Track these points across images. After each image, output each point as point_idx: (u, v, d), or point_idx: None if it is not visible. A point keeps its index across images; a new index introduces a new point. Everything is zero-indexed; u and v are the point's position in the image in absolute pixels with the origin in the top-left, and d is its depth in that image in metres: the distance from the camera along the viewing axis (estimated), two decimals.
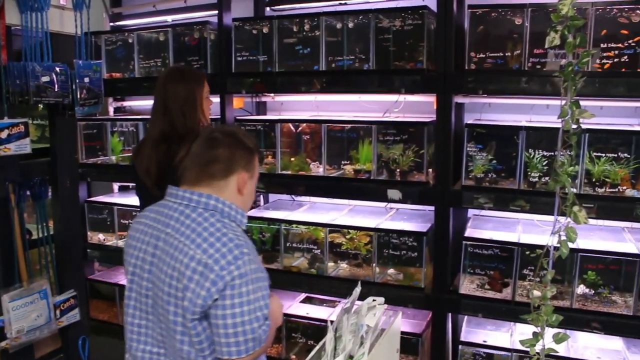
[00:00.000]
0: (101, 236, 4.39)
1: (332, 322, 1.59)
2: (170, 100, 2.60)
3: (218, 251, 1.59)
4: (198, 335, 1.60)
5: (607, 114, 3.12)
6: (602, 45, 2.83)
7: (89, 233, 4.41)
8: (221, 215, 1.70)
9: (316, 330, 3.58)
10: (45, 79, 2.35)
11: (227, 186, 1.74)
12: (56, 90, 2.41)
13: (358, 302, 1.72)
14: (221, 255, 1.58)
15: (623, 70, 2.80)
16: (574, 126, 1.56)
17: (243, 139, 1.80)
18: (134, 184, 2.81)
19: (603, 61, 2.83)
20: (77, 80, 2.49)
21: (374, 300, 1.72)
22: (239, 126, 3.69)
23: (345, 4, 3.72)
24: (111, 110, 4.78)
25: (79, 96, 2.49)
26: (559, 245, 1.63)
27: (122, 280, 4.39)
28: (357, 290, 1.74)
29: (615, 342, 3.19)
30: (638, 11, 2.77)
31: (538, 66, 2.95)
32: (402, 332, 3.29)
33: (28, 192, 2.71)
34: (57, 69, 2.43)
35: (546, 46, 1.48)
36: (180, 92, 2.61)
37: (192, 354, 1.62)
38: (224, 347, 1.59)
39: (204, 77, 2.74)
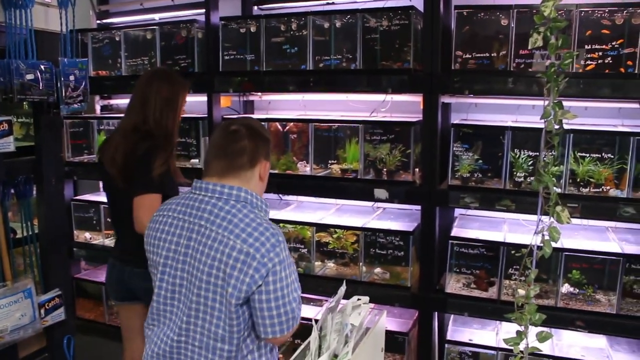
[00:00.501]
0: (87, 235, 4.37)
1: (316, 321, 1.59)
2: (151, 97, 2.64)
3: (257, 240, 1.69)
4: (237, 318, 1.72)
5: (591, 115, 3.15)
6: (586, 47, 2.85)
7: (75, 232, 4.39)
8: (251, 207, 1.80)
9: (303, 329, 3.57)
10: (29, 76, 2.33)
11: (252, 176, 1.86)
12: (41, 88, 2.39)
13: (343, 301, 1.73)
14: (261, 244, 1.69)
15: (607, 71, 2.82)
16: (557, 127, 1.57)
17: (260, 129, 1.93)
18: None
19: (587, 62, 2.86)
20: (62, 78, 2.47)
21: (358, 299, 1.73)
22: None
23: (333, 3, 3.72)
24: (98, 108, 4.76)
25: (64, 94, 2.47)
26: (542, 245, 1.65)
27: None
28: (342, 289, 1.75)
29: (599, 340, 3.23)
30: (621, 13, 2.80)
31: (524, 67, 2.97)
32: (389, 331, 3.32)
33: (12, 191, 2.69)
34: (42, 66, 2.41)
35: (529, 47, 1.49)
36: (163, 92, 2.66)
37: (225, 336, 1.73)
38: (269, 327, 1.72)
39: (188, 86, 2.81)
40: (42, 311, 2.61)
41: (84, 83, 2.57)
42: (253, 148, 1.85)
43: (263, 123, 3.52)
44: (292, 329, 1.78)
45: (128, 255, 2.74)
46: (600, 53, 2.84)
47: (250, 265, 1.67)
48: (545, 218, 1.68)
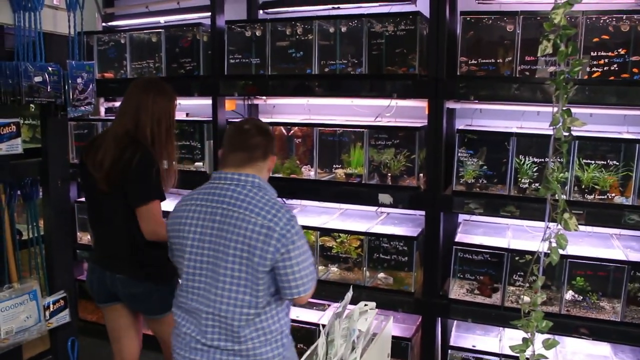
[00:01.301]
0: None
1: (323, 326, 1.59)
2: (148, 106, 2.67)
3: (275, 216, 1.97)
4: (262, 284, 1.98)
5: (596, 122, 3.15)
6: (592, 54, 2.86)
7: (78, 233, 4.39)
8: (264, 191, 2.08)
9: (306, 333, 3.59)
10: (37, 79, 2.33)
11: (264, 167, 2.16)
12: (48, 90, 2.39)
13: (350, 307, 1.73)
14: (278, 219, 1.97)
15: (612, 78, 2.83)
16: (566, 134, 1.57)
17: (268, 128, 2.23)
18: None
19: (593, 69, 2.86)
20: (70, 81, 2.47)
21: (365, 305, 1.73)
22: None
23: (339, 8, 3.72)
24: (102, 110, 4.76)
25: (71, 97, 2.48)
26: (549, 252, 1.64)
27: None
28: (349, 295, 1.75)
29: (603, 348, 3.22)
30: (627, 21, 2.80)
31: (529, 73, 2.97)
32: (392, 337, 3.31)
33: (19, 192, 2.69)
34: (50, 69, 2.41)
35: (539, 54, 1.49)
36: (160, 102, 2.70)
37: (252, 301, 1.98)
38: (294, 289, 1.99)
39: (174, 97, 2.83)
40: (47, 313, 2.61)
41: (91, 86, 2.58)
42: (265, 144, 2.15)
43: None
44: (313, 288, 2.07)
45: (107, 259, 2.74)
46: (606, 60, 2.84)
47: (272, 237, 1.94)
48: (552, 225, 1.68)
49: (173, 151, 2.81)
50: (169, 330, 2.78)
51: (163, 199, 2.66)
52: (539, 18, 2.94)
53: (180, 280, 2.15)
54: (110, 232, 2.72)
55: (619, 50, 2.83)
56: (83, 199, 4.45)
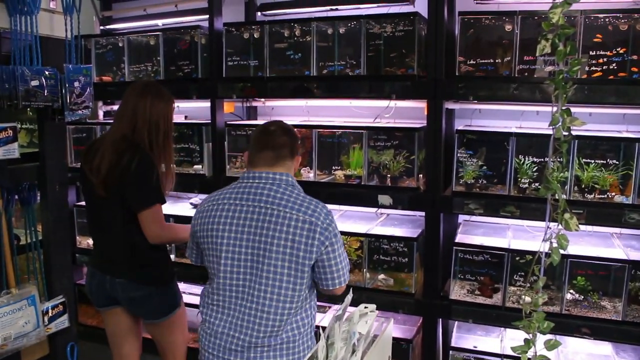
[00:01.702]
0: (90, 241, 4.35)
1: (323, 329, 1.58)
2: (145, 111, 2.67)
3: (315, 212, 2.06)
4: (303, 278, 2.05)
5: (596, 121, 3.15)
6: (591, 53, 2.85)
7: (77, 237, 4.38)
8: (298, 189, 2.16)
9: None
10: (34, 83, 2.32)
11: (292, 165, 2.23)
12: (45, 94, 2.38)
13: (350, 309, 1.72)
14: (318, 214, 2.06)
15: (611, 77, 2.82)
16: (565, 133, 1.56)
17: (292, 129, 2.30)
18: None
19: (592, 68, 2.86)
20: (67, 85, 2.46)
21: (365, 307, 1.72)
22: (229, 131, 3.69)
23: (337, 9, 3.72)
24: (101, 114, 4.75)
25: (68, 100, 2.47)
26: (550, 252, 1.64)
27: None
28: (349, 297, 1.74)
29: (605, 348, 3.21)
30: (626, 20, 2.80)
31: (528, 73, 2.97)
32: (393, 338, 3.29)
33: (16, 197, 2.68)
34: (47, 72, 2.39)
35: (537, 54, 1.49)
36: (158, 107, 2.70)
37: (295, 296, 2.06)
38: (336, 279, 2.11)
39: (172, 100, 2.85)
40: (46, 318, 2.59)
41: (88, 89, 2.56)
42: (291, 144, 2.21)
43: None
44: (348, 279, 2.18)
45: (107, 263, 2.75)
46: (605, 59, 2.84)
47: (315, 231, 2.03)
48: (552, 224, 1.67)
49: (171, 154, 2.82)
50: (168, 335, 2.80)
51: (164, 202, 2.67)
52: (536, 18, 2.93)
53: (213, 282, 2.18)
54: (109, 236, 2.75)
55: (618, 49, 2.82)
56: (82, 203, 4.45)
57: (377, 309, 1.78)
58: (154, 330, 2.85)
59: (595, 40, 2.85)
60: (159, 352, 2.94)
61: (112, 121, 4.46)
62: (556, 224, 1.64)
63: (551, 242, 1.60)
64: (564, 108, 1.54)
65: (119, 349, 2.92)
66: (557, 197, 1.61)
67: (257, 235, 2.06)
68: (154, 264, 2.72)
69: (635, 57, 2.79)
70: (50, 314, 2.63)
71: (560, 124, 1.55)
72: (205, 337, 2.17)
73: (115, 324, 2.87)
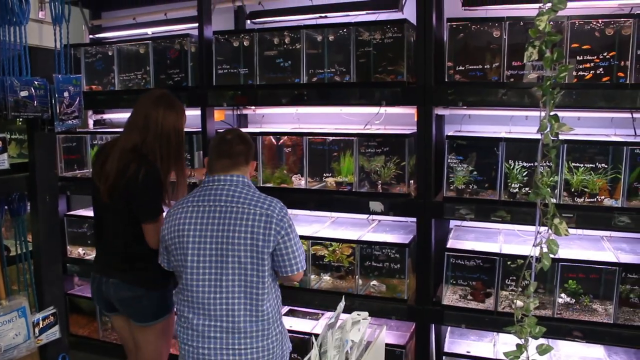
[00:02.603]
0: (81, 250, 4.33)
1: (316, 337, 1.58)
2: (158, 122, 2.68)
3: (270, 205, 2.28)
4: (265, 266, 2.24)
5: (584, 125, 3.17)
6: (578, 58, 2.88)
7: (68, 247, 4.35)
8: (254, 189, 2.38)
9: (299, 342, 3.56)
10: (24, 93, 2.31)
11: (247, 170, 2.42)
12: (35, 105, 2.37)
13: (343, 316, 1.72)
14: (273, 207, 2.28)
15: (600, 81, 2.85)
16: (553, 139, 1.58)
17: (247, 137, 2.47)
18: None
19: (579, 73, 2.88)
20: (57, 95, 2.45)
21: (358, 314, 1.72)
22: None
23: (326, 17, 3.74)
24: (91, 123, 4.74)
25: (58, 111, 2.46)
26: (540, 257, 1.64)
27: None
28: (341, 305, 1.74)
29: (597, 350, 3.23)
30: (612, 25, 2.83)
31: (516, 78, 2.99)
32: (386, 344, 3.30)
33: (6, 207, 2.66)
34: (36, 83, 2.39)
35: (524, 61, 1.50)
36: (171, 119, 2.72)
37: (259, 282, 2.24)
38: (294, 266, 2.31)
39: (184, 110, 2.88)
40: (37, 330, 2.58)
41: (78, 99, 2.56)
42: (246, 151, 2.41)
43: (257, 137, 3.54)
44: (305, 266, 2.38)
45: (104, 266, 2.79)
46: (592, 64, 2.86)
47: (271, 222, 2.23)
48: (543, 228, 1.68)
49: (183, 165, 2.86)
50: (153, 341, 2.83)
51: (163, 211, 2.73)
52: (522, 26, 2.95)
53: (182, 279, 2.32)
54: (108, 239, 2.79)
55: (605, 54, 2.85)
56: (73, 212, 4.43)
57: (369, 316, 1.78)
58: (140, 334, 2.84)
59: (583, 45, 2.87)
60: (140, 358, 2.92)
61: (104, 129, 4.52)
62: (546, 228, 1.65)
63: (541, 247, 1.61)
64: (552, 114, 1.56)
65: (129, 352, 2.98)
66: (547, 202, 1.63)
67: (220, 230, 2.24)
68: (147, 268, 2.73)
69: (621, 61, 2.82)
70: (41, 325, 2.61)
71: (548, 129, 1.56)
72: (183, 332, 2.32)
73: (120, 328, 2.93)
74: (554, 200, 1.63)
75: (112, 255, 2.77)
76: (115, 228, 2.74)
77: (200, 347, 2.26)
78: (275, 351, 2.32)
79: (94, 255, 2.97)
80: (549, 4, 1.54)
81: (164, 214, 2.57)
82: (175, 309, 2.38)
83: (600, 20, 2.85)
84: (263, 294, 2.26)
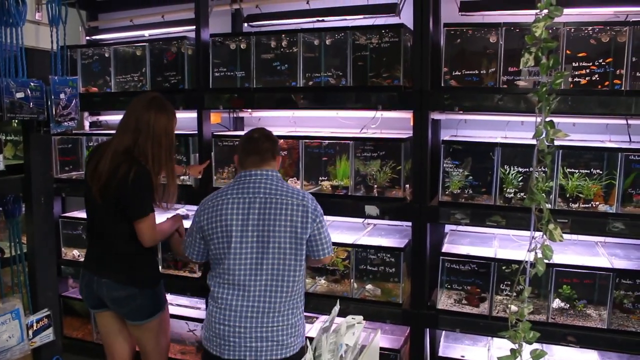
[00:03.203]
0: (76, 252, 4.32)
1: (310, 340, 1.58)
2: (149, 125, 2.75)
3: (304, 197, 2.52)
4: (302, 251, 2.49)
5: (579, 131, 3.19)
6: (574, 64, 2.89)
7: (63, 249, 4.34)
8: (284, 182, 2.59)
9: None
10: (19, 95, 2.31)
11: (275, 164, 2.63)
12: (31, 106, 2.37)
13: (338, 320, 1.72)
14: (307, 199, 2.52)
15: (595, 88, 2.87)
16: (549, 144, 1.58)
17: (272, 135, 2.69)
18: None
19: (575, 79, 2.90)
20: (53, 97, 2.45)
21: (352, 318, 1.72)
22: (216, 142, 3.69)
23: (323, 20, 3.74)
24: (87, 124, 4.73)
25: (54, 112, 2.45)
26: (535, 262, 1.65)
27: None
28: (336, 309, 1.74)
29: (591, 355, 3.23)
30: (607, 32, 2.84)
31: (512, 84, 3.00)
32: (381, 348, 3.29)
33: (0, 209, 2.65)
34: (32, 84, 2.39)
35: (520, 67, 1.51)
36: (161, 122, 2.79)
37: (297, 266, 2.48)
38: (326, 249, 2.57)
39: (174, 113, 2.94)
40: (30, 332, 2.57)
41: (74, 101, 2.56)
42: (272, 148, 2.62)
43: None
44: (332, 251, 2.65)
45: (95, 264, 2.86)
46: (588, 70, 2.88)
47: (307, 212, 2.48)
48: (537, 234, 1.69)
49: (173, 168, 2.92)
50: (150, 338, 2.91)
51: (154, 210, 2.81)
52: (517, 30, 2.97)
53: (221, 265, 2.49)
54: (100, 240, 2.86)
55: (600, 60, 2.87)
56: (68, 214, 4.42)
57: (364, 320, 1.78)
58: (137, 332, 2.92)
59: (578, 52, 2.89)
60: (141, 355, 3.01)
61: (100, 131, 4.51)
62: (541, 234, 1.66)
63: (536, 253, 1.62)
64: (547, 120, 1.56)
65: (110, 349, 3.03)
66: (541, 208, 1.63)
67: (262, 220, 2.46)
68: (138, 267, 2.82)
69: (617, 68, 2.83)
70: (34, 328, 2.60)
71: (543, 135, 1.57)
72: (219, 312, 2.48)
73: (105, 325, 2.97)
74: (549, 206, 1.64)
75: (104, 255, 2.83)
76: (107, 228, 2.80)
77: (237, 326, 2.44)
78: (300, 327, 2.57)
79: (85, 253, 3.01)
80: (546, 11, 1.54)
81: (198, 207, 2.65)
82: (211, 292, 2.53)
83: (596, 27, 2.87)
84: (298, 276, 2.50)
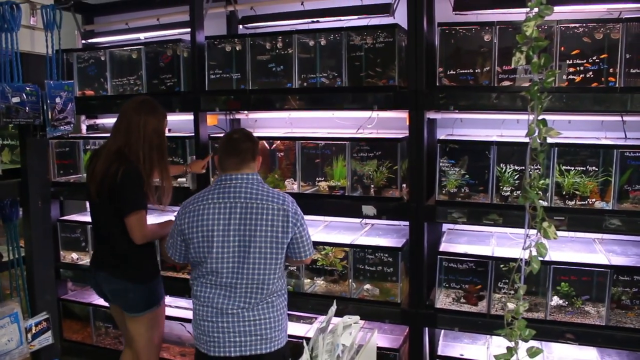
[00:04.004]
0: (74, 255, 4.33)
1: (307, 340, 1.59)
2: (139, 127, 2.89)
3: (284, 201, 2.53)
4: (282, 254, 2.52)
5: (575, 128, 3.20)
6: (568, 62, 2.90)
7: (61, 252, 4.34)
8: (265, 185, 2.60)
9: (293, 347, 3.56)
10: (15, 99, 2.31)
11: (255, 165, 2.61)
12: (27, 111, 2.37)
13: (335, 320, 1.72)
14: (287, 202, 2.53)
15: (590, 85, 2.87)
16: (541, 143, 1.59)
17: (251, 135, 2.67)
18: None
19: (570, 77, 2.90)
20: (49, 101, 2.45)
21: (349, 318, 1.73)
22: (213, 144, 3.70)
23: (318, 21, 3.75)
24: (84, 128, 4.74)
25: (50, 117, 2.46)
26: (529, 260, 1.65)
27: (96, 299, 4.32)
28: (333, 309, 1.75)
29: (590, 352, 3.24)
30: (601, 29, 2.85)
31: (507, 82, 3.01)
32: (380, 348, 3.31)
33: None
34: (28, 89, 2.39)
35: (512, 66, 1.51)
36: (151, 124, 2.92)
37: (277, 268, 2.51)
38: (307, 251, 2.61)
39: (165, 114, 3.06)
40: (29, 335, 2.57)
41: (70, 105, 2.55)
42: (252, 148, 2.60)
43: None
44: (314, 251, 2.70)
45: (96, 259, 3.05)
46: (582, 67, 2.89)
47: (287, 216, 2.49)
48: (532, 231, 1.69)
49: (166, 168, 3.04)
50: (143, 331, 3.01)
51: (146, 208, 2.92)
52: (513, 30, 2.98)
53: (203, 267, 2.52)
54: (99, 236, 3.06)
55: (594, 57, 2.87)
56: (65, 217, 4.42)
57: (363, 319, 1.79)
58: (132, 324, 3.02)
59: (572, 49, 2.89)
60: (134, 347, 3.10)
61: (97, 134, 4.51)
62: (536, 232, 1.66)
63: (530, 251, 1.62)
64: (539, 118, 1.57)
65: (125, 336, 3.29)
66: (536, 206, 1.64)
67: (243, 224, 2.47)
68: (131, 262, 2.94)
69: (611, 65, 2.84)
70: (33, 331, 2.60)
71: (536, 134, 1.57)
72: (202, 309, 2.53)
73: (116, 315, 3.21)
74: (544, 203, 1.65)
75: (103, 251, 3.00)
76: (104, 225, 2.97)
77: (219, 321, 2.49)
78: (283, 321, 2.61)
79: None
80: (536, 10, 1.55)
81: (178, 213, 2.67)
82: (194, 291, 2.58)
83: (589, 25, 2.87)
84: (276, 276, 2.53)
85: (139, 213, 2.84)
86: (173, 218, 3.87)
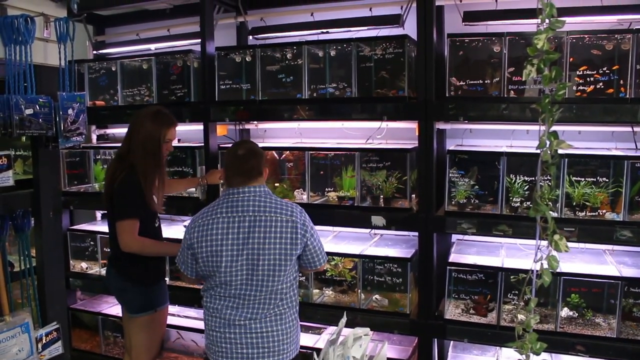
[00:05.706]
0: (84, 264, 4.34)
1: (318, 351, 1.59)
2: (136, 132, 2.97)
3: (293, 211, 2.52)
4: (293, 266, 2.51)
5: (585, 138, 3.19)
6: (578, 73, 2.89)
7: (71, 261, 4.36)
8: (274, 196, 2.60)
9: (303, 357, 3.55)
10: (29, 111, 2.33)
11: (263, 179, 2.62)
12: (40, 122, 2.39)
13: (345, 331, 1.73)
14: (296, 213, 2.52)
15: (600, 96, 2.87)
16: (552, 156, 1.59)
17: (257, 148, 2.66)
18: None
19: (580, 88, 2.90)
20: (61, 112, 2.47)
21: (359, 330, 1.72)
22: (222, 154, 3.71)
23: (327, 32, 3.76)
24: (94, 138, 4.77)
25: (62, 128, 2.48)
26: (540, 272, 1.65)
27: (105, 309, 4.34)
28: (343, 321, 1.75)
29: None
30: (611, 40, 2.85)
31: (517, 93, 3.01)
32: (389, 359, 3.29)
33: (10, 223, 2.67)
34: (41, 101, 2.40)
35: (523, 79, 1.52)
36: (146, 128, 2.95)
37: (286, 280, 2.50)
38: (321, 260, 2.61)
39: (172, 124, 3.06)
40: (40, 345, 2.58)
41: (82, 116, 2.58)
42: (259, 163, 2.59)
43: None
44: (326, 258, 2.69)
45: (109, 259, 3.18)
46: (592, 78, 2.88)
47: (296, 227, 2.49)
48: (543, 243, 1.69)
49: (162, 175, 3.05)
50: (136, 332, 3.06)
51: (139, 218, 2.95)
52: (519, 39, 2.98)
53: (213, 280, 2.52)
54: (110, 233, 3.12)
55: (604, 68, 2.87)
56: (76, 227, 4.45)
57: (372, 330, 1.79)
58: (128, 324, 3.12)
59: (582, 60, 2.89)
60: (126, 347, 3.19)
61: (107, 144, 4.54)
62: (546, 243, 1.66)
63: (542, 263, 1.62)
64: (551, 130, 1.57)
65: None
66: (547, 218, 1.63)
67: (252, 238, 2.46)
68: (132, 264, 3.00)
69: (621, 76, 2.84)
70: (44, 341, 2.61)
71: (547, 146, 1.57)
72: (212, 320, 2.54)
73: (122, 315, 3.28)
74: (554, 215, 1.64)
75: (112, 249, 3.13)
76: (111, 225, 3.06)
77: (227, 332, 2.48)
78: (293, 334, 2.53)
79: None
80: (547, 22, 1.56)
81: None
82: (205, 302, 2.58)
83: (599, 36, 2.87)
84: (287, 288, 2.51)
85: (126, 221, 2.90)
86: (182, 229, 3.91)
